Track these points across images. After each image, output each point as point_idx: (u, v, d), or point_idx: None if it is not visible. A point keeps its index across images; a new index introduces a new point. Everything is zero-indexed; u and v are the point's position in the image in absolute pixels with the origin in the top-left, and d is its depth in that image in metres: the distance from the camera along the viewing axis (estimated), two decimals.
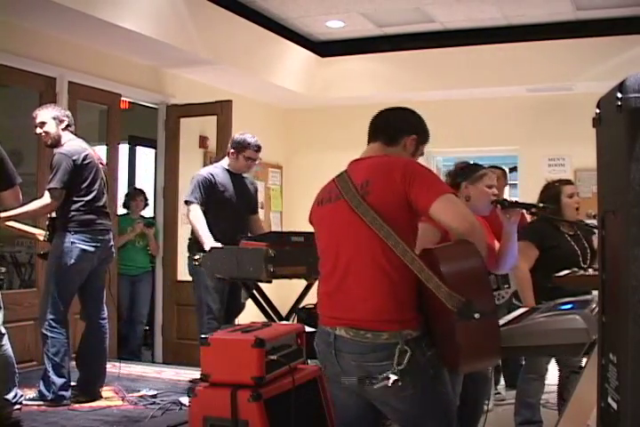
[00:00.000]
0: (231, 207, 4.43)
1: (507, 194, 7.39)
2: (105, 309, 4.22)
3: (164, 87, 6.17)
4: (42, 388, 3.92)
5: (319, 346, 2.20)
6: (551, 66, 6.45)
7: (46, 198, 3.91)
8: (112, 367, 4.32)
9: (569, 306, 2.35)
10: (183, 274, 4.69)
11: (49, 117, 4.04)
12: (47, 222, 4.06)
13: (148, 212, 6.46)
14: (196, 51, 5.63)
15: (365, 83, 7.18)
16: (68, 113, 4.16)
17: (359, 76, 7.17)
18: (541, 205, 3.50)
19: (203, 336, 2.85)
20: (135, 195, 6.25)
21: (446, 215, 2.03)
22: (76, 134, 4.16)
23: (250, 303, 4.16)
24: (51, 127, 4.03)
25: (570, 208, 3.73)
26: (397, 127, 2.27)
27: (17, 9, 4.48)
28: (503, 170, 5.23)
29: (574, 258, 3.61)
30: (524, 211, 3.06)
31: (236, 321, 4.47)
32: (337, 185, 2.18)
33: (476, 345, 1.95)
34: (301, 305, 4.14)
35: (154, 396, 4.21)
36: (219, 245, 4.02)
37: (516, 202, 2.83)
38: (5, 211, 3.65)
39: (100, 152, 4.82)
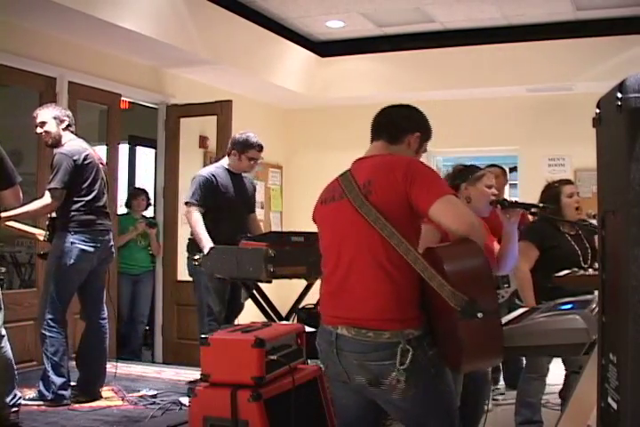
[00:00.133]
0: (231, 207, 4.41)
1: (507, 194, 7.39)
2: (105, 309, 4.22)
3: (163, 87, 6.17)
4: (41, 388, 3.92)
5: (321, 345, 2.20)
6: (551, 66, 6.45)
7: (47, 198, 3.90)
8: (112, 367, 4.32)
9: (569, 306, 2.35)
10: (183, 274, 4.69)
11: (50, 117, 4.04)
12: (47, 222, 4.06)
13: (148, 212, 6.46)
14: (195, 51, 5.63)
15: (365, 83, 7.19)
16: (69, 113, 4.16)
17: (359, 76, 7.17)
18: (541, 205, 3.50)
19: (203, 336, 2.85)
20: (137, 194, 6.25)
21: (446, 217, 2.02)
22: (76, 134, 4.16)
23: (250, 303, 4.16)
24: (51, 127, 4.03)
25: (569, 208, 3.73)
26: (400, 125, 2.27)
27: (17, 9, 4.48)
28: (503, 168, 5.23)
29: (574, 258, 3.61)
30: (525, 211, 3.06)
31: (236, 321, 4.46)
32: (340, 184, 2.18)
33: (478, 344, 1.95)
34: (301, 305, 4.14)
35: (154, 396, 4.21)
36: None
37: (516, 202, 2.83)
38: (6, 210, 3.65)
39: (100, 152, 4.82)
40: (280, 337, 2.97)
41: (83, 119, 5.10)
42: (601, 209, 1.59)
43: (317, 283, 3.88)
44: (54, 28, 4.89)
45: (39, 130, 4.06)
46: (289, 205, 7.82)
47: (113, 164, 5.54)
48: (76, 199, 3.97)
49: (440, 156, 7.70)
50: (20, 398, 3.35)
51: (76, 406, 3.94)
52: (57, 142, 4.05)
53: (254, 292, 4.05)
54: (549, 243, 3.67)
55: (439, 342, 2.06)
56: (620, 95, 1.39)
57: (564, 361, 3.72)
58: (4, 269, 4.00)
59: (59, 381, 3.90)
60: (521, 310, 2.55)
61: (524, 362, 3.96)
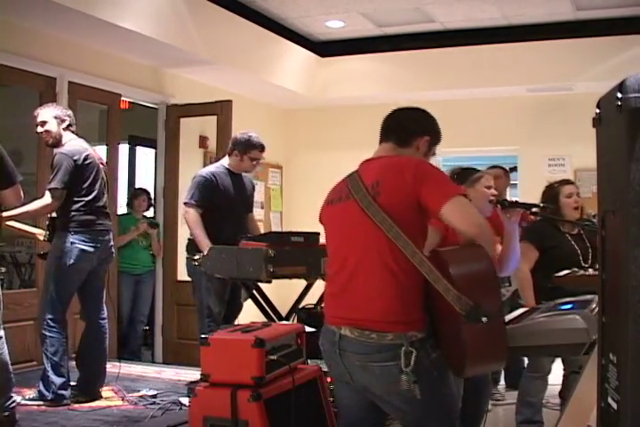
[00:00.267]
0: (231, 207, 4.40)
1: (507, 194, 7.38)
2: (105, 309, 4.21)
3: (163, 87, 6.17)
4: (41, 388, 3.92)
5: (324, 345, 2.20)
6: (551, 66, 6.45)
7: (47, 198, 3.90)
8: (114, 367, 4.32)
9: (569, 306, 2.35)
10: (183, 274, 4.68)
11: (50, 117, 4.03)
12: (47, 222, 4.06)
13: (149, 212, 6.46)
14: (195, 51, 5.63)
15: (365, 83, 7.19)
16: (70, 113, 4.15)
17: (359, 76, 7.17)
18: (541, 204, 3.51)
19: (203, 336, 2.85)
20: (139, 194, 6.25)
21: (455, 218, 2.03)
22: (77, 134, 4.16)
23: (250, 303, 4.15)
24: (52, 126, 4.03)
25: (568, 208, 3.73)
26: (409, 129, 2.26)
27: (17, 9, 4.48)
28: (505, 169, 5.22)
29: (574, 258, 3.61)
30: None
31: (236, 321, 4.46)
32: (347, 185, 2.18)
33: (482, 348, 1.95)
34: (301, 305, 4.14)
35: (154, 396, 4.21)
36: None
37: (516, 202, 2.84)
38: (6, 210, 3.64)
39: (100, 152, 4.81)
40: (280, 337, 2.97)
41: (83, 119, 5.09)
42: (601, 209, 1.59)
43: (317, 283, 3.88)
44: (54, 27, 4.89)
45: (40, 129, 4.05)
46: (289, 205, 7.82)
47: (113, 164, 5.54)
48: (76, 199, 3.97)
49: (440, 156, 7.69)
50: (13, 401, 3.29)
51: (76, 406, 3.93)
52: (57, 142, 4.05)
53: (254, 292, 4.04)
54: (549, 243, 3.67)
55: (443, 344, 2.06)
56: (619, 95, 1.39)
57: (563, 361, 3.72)
58: (4, 269, 4.00)
59: (59, 381, 3.90)
60: (521, 310, 2.55)
61: (526, 362, 3.96)
